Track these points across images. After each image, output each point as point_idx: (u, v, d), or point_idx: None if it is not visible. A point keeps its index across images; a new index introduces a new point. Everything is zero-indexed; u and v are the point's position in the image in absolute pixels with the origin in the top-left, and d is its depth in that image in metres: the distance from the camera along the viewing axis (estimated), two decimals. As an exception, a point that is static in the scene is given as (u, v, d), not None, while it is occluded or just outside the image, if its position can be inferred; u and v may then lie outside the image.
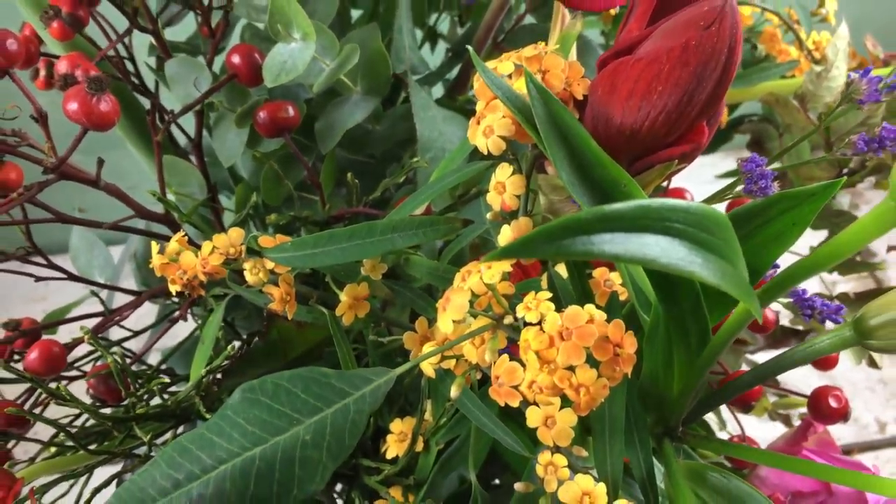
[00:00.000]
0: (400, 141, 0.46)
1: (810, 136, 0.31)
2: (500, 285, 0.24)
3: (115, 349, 0.37)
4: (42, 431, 0.35)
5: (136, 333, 0.43)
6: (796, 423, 0.48)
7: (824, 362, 0.41)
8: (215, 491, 0.21)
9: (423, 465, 0.31)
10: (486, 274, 0.23)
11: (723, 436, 0.48)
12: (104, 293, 0.46)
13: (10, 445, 0.36)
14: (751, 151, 0.53)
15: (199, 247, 0.30)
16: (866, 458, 0.83)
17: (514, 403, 0.22)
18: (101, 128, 0.32)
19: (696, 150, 0.24)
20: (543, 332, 0.22)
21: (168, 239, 0.31)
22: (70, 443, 0.34)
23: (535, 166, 0.28)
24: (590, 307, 0.22)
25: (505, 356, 0.23)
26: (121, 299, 0.43)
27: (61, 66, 0.34)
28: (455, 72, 0.50)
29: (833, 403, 0.38)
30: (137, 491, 0.21)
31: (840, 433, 0.85)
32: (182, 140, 0.48)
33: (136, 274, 0.53)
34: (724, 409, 0.49)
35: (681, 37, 0.22)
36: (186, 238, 0.31)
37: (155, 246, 0.31)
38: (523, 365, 0.22)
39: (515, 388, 0.22)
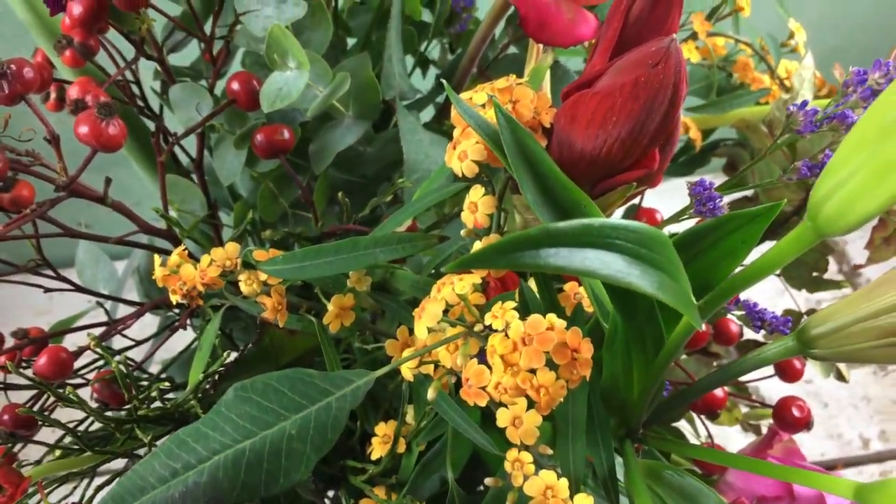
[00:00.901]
0: (390, 162, 0.48)
1: (761, 160, 0.34)
2: (472, 296, 0.26)
3: (118, 357, 0.39)
4: (46, 438, 0.37)
5: (138, 343, 0.45)
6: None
7: (790, 374, 0.43)
8: (209, 479, 0.23)
9: (406, 466, 0.33)
10: (458, 285, 0.26)
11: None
12: (108, 304, 0.48)
13: (16, 449, 0.38)
14: (726, 174, 0.56)
15: (198, 260, 0.33)
16: (850, 474, 0.85)
17: (482, 403, 0.24)
18: (109, 149, 0.34)
19: (651, 175, 0.27)
20: (508, 337, 0.24)
21: (170, 253, 0.34)
22: (75, 446, 0.36)
23: (510, 187, 0.31)
24: (551, 316, 0.24)
25: (474, 360, 0.25)
26: (123, 312, 0.45)
27: (73, 92, 0.36)
28: (443, 97, 0.53)
29: (796, 413, 0.41)
30: (138, 479, 0.23)
31: (824, 449, 0.87)
32: (184, 160, 0.50)
33: (139, 287, 0.55)
34: (699, 424, 0.51)
35: (632, 73, 0.24)
36: (187, 252, 0.33)
37: (157, 259, 0.33)
38: (490, 368, 0.24)
39: (483, 388, 0.24)
